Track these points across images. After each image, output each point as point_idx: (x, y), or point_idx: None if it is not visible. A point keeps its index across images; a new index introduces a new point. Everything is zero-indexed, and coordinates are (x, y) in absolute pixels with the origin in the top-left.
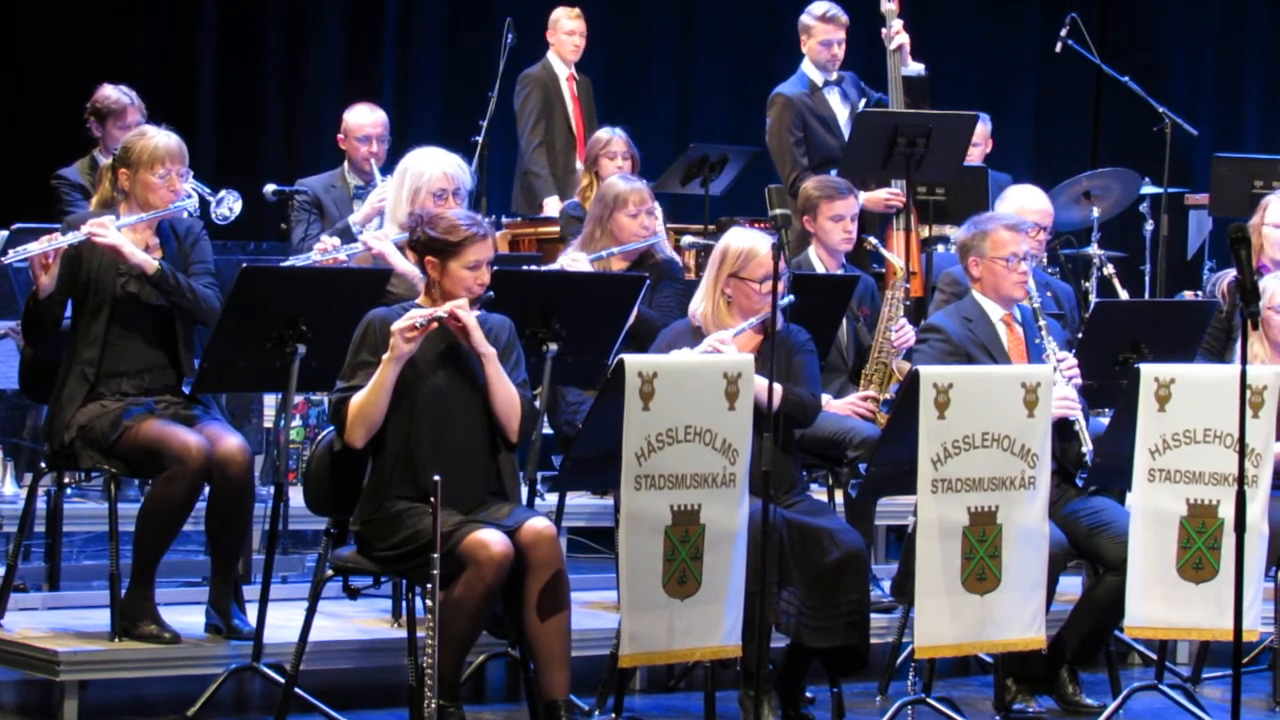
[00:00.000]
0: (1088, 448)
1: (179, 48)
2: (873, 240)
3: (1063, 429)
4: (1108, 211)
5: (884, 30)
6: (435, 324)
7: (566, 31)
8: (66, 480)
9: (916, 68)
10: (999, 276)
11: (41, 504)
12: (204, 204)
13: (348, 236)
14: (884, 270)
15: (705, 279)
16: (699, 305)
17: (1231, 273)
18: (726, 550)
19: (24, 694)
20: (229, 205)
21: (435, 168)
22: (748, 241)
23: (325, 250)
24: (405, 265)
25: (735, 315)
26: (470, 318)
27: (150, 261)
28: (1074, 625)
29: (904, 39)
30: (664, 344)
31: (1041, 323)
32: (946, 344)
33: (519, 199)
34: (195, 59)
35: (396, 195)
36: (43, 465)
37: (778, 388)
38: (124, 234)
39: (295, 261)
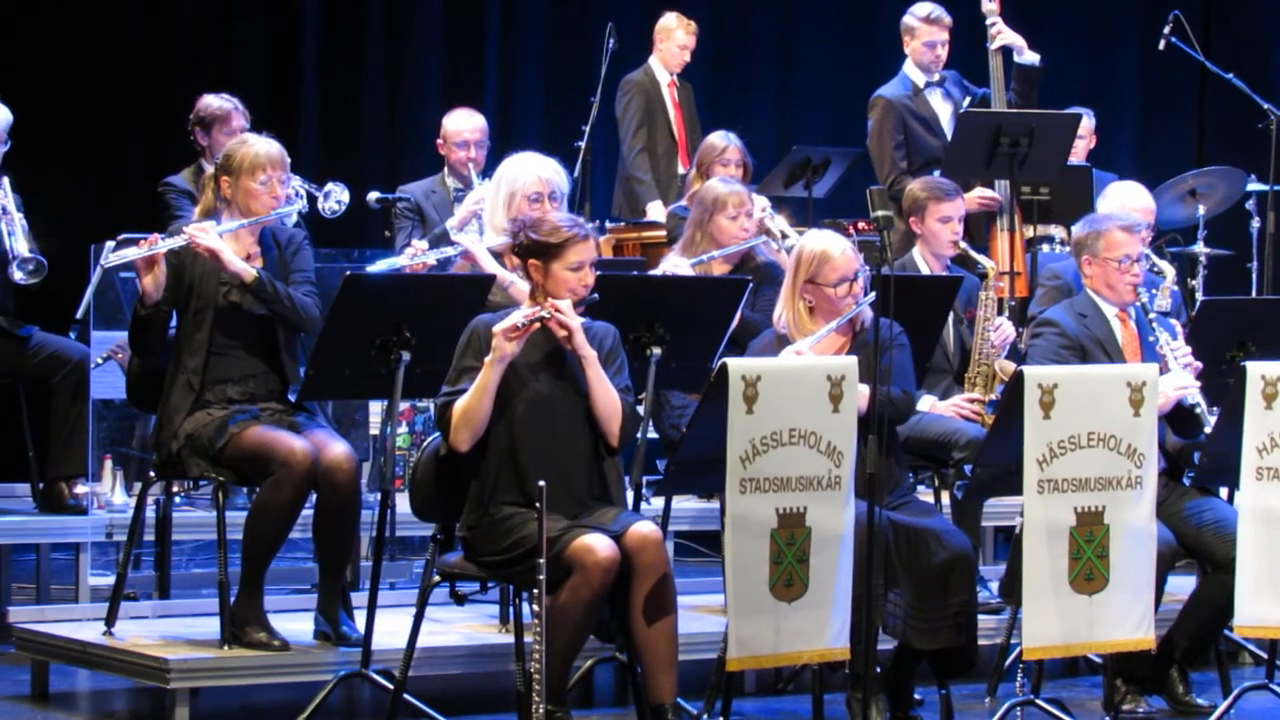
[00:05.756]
0: (1209, 428)
1: (281, 57)
2: (962, 243)
3: (1183, 414)
4: (1213, 209)
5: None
6: (537, 324)
7: (680, 45)
8: (175, 489)
9: (1032, 57)
10: (1111, 276)
11: (151, 513)
12: (311, 200)
13: (444, 241)
14: (986, 272)
15: (784, 286)
16: (781, 313)
17: None
18: (833, 553)
19: (136, 702)
20: (336, 198)
21: (529, 172)
22: (820, 245)
23: (415, 254)
24: (495, 267)
25: (818, 320)
26: (573, 319)
27: (248, 270)
28: (1183, 625)
29: (1009, 39)
30: (752, 356)
31: (1151, 316)
32: (1062, 338)
33: (621, 204)
34: (298, 68)
35: (493, 201)
36: (151, 474)
37: (864, 389)
38: (225, 241)
39: (382, 264)
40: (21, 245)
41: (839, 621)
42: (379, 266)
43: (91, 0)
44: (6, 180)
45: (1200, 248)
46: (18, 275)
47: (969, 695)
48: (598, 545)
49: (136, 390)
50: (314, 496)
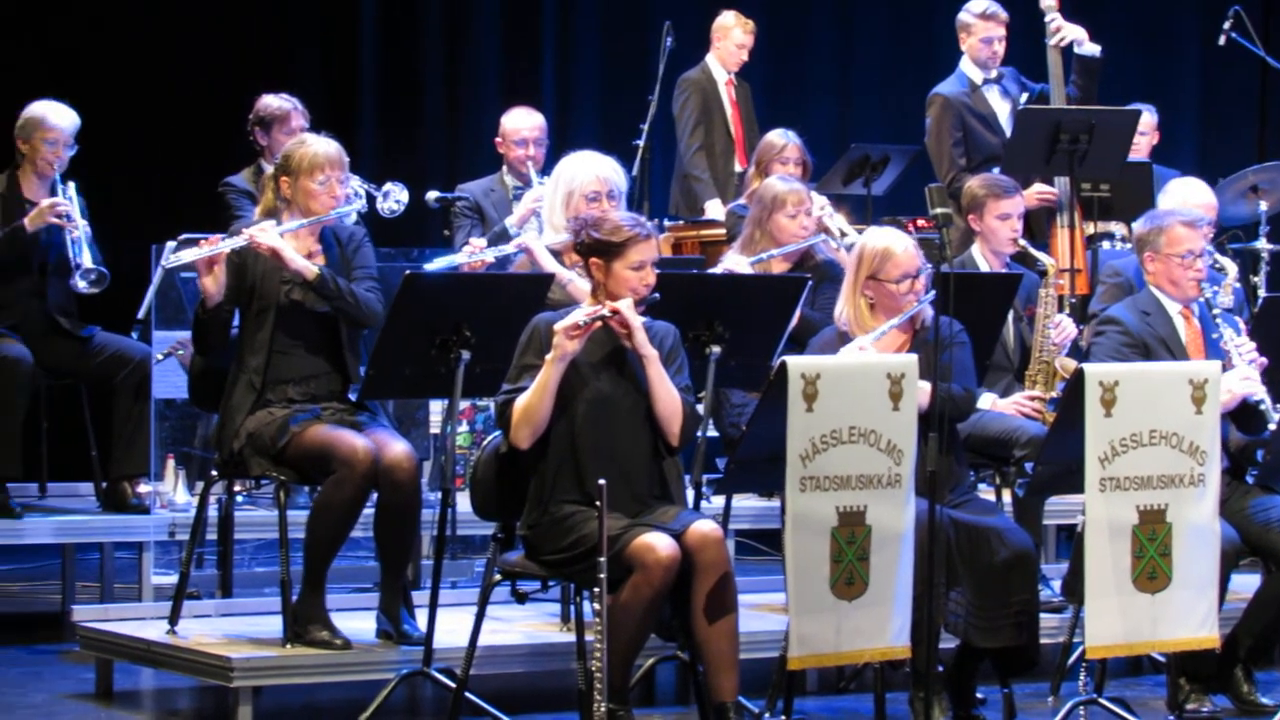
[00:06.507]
0: (1274, 425)
1: (340, 58)
2: (1021, 240)
3: (1247, 411)
4: (1276, 205)
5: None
6: (599, 323)
7: (738, 44)
8: (237, 488)
9: (1093, 49)
10: (1175, 272)
11: (213, 512)
12: (370, 200)
13: (503, 239)
14: (1046, 269)
15: (845, 282)
16: (842, 310)
17: None
18: (893, 551)
19: (199, 700)
20: (395, 198)
21: (587, 171)
22: (883, 242)
23: (473, 251)
24: (554, 265)
25: (879, 317)
26: (634, 318)
27: (310, 267)
28: (1248, 623)
29: (1070, 34)
30: (813, 353)
31: (1215, 312)
32: (1125, 335)
33: (679, 202)
34: (357, 68)
35: (551, 200)
36: (213, 473)
37: (925, 386)
38: (286, 240)
39: (440, 262)
40: (85, 255)
41: (900, 620)
42: (436, 265)
43: (152, 4)
44: (73, 185)
45: (1262, 244)
46: (80, 285)
47: (1031, 694)
48: (659, 544)
49: (198, 389)
50: (375, 496)
